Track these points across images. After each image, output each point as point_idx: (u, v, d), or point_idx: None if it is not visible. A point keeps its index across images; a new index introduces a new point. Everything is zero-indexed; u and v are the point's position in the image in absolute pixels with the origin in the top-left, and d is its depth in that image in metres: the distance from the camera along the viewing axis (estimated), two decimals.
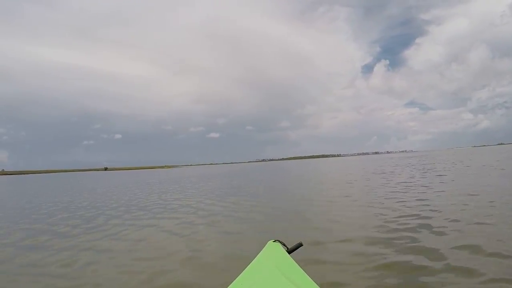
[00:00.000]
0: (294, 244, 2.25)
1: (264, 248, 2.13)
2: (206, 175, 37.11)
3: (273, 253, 2.04)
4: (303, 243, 2.27)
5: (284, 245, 2.19)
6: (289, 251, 2.15)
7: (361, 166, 37.08)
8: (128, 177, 47.50)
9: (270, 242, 2.23)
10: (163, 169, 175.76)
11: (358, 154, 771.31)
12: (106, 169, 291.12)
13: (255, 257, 1.96)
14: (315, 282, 1.56)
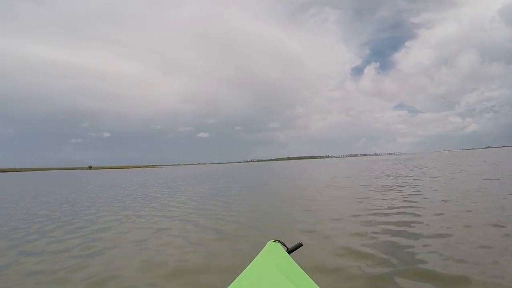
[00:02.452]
0: (294, 244, 2.23)
1: (264, 248, 2.11)
2: (192, 176, 33.42)
3: (273, 253, 2.02)
4: (303, 243, 2.25)
5: (284, 245, 2.18)
6: (289, 251, 2.14)
7: (372, 168, 32.54)
8: (108, 176, 43.54)
9: (270, 242, 2.21)
10: (149, 168, 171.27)
11: (347, 156, 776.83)
12: (90, 167, 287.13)
13: (255, 257, 1.93)
14: (315, 282, 1.56)
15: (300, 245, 2.22)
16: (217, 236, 5.89)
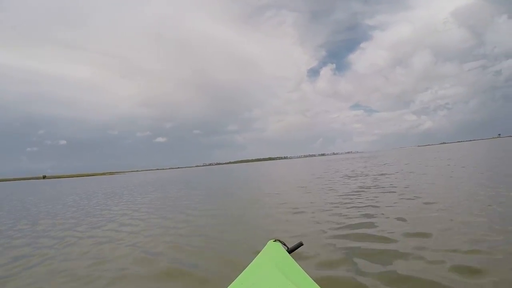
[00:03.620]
0: (295, 243, 2.23)
1: (264, 248, 2.11)
2: (147, 183, 30.72)
3: (273, 252, 2.01)
4: (303, 243, 2.25)
5: (284, 244, 2.16)
6: (289, 251, 2.12)
7: (339, 168, 29.72)
8: (58, 187, 39.47)
9: (271, 241, 2.21)
10: (105, 176, 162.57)
11: (305, 156, 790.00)
12: (44, 177, 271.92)
13: (255, 257, 1.92)
14: (315, 282, 1.55)
15: (300, 244, 2.22)
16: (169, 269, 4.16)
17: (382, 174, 15.70)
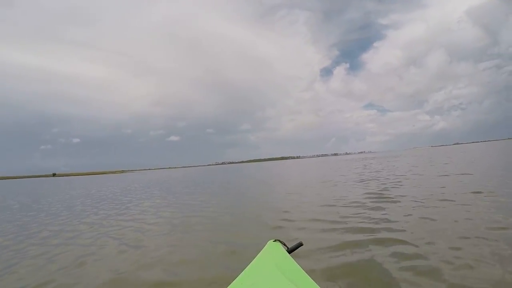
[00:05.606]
0: (294, 243, 2.22)
1: (264, 248, 2.10)
2: (156, 183, 27.04)
3: (273, 252, 2.01)
4: (303, 243, 2.24)
5: (284, 244, 2.16)
6: (289, 251, 2.12)
7: (378, 170, 24.46)
8: (59, 186, 36.56)
9: (270, 241, 2.20)
10: (116, 174, 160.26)
11: (318, 156, 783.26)
12: (54, 175, 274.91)
13: (255, 256, 1.92)
14: (315, 282, 1.55)
15: (300, 244, 2.20)
16: None
17: (463, 174, 11.94)
